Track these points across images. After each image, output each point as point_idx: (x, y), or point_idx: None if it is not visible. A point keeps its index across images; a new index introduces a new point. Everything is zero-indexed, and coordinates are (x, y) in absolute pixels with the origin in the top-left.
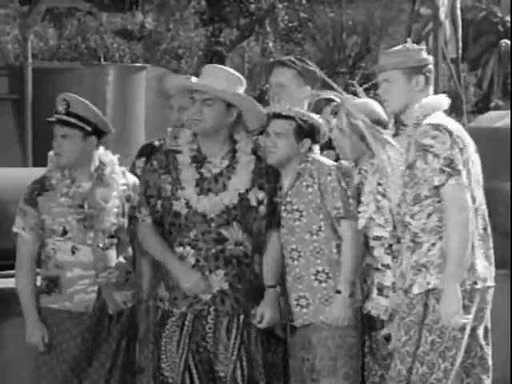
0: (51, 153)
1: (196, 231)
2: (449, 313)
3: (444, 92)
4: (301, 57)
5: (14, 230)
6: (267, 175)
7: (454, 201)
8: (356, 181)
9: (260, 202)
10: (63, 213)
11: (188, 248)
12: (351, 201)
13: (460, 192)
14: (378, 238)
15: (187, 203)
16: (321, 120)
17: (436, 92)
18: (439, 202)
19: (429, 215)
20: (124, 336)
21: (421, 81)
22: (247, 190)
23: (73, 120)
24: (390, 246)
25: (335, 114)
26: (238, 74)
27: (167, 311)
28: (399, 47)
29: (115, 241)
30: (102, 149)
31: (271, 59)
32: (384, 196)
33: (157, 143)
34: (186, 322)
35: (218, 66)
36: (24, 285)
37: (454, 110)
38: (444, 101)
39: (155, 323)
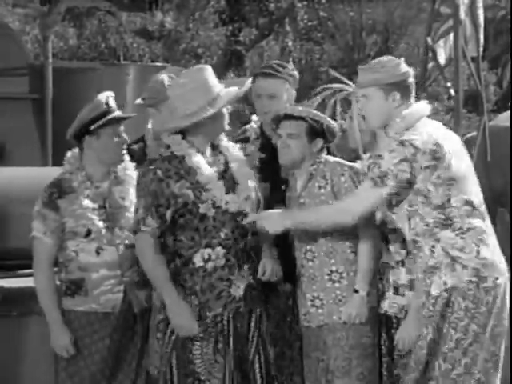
0: (69, 153)
1: (226, 230)
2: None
3: (465, 91)
4: (280, 62)
5: (35, 234)
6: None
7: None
8: None
9: None
10: (87, 214)
11: (218, 248)
12: None
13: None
14: (394, 231)
15: (213, 204)
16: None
17: (456, 91)
18: (411, 206)
19: (409, 219)
20: (144, 338)
21: (397, 96)
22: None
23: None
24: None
25: (343, 102)
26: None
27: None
28: (376, 61)
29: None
30: None
31: (292, 59)
32: None
33: (135, 147)
34: (224, 322)
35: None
36: (45, 288)
37: (475, 109)
38: (424, 108)
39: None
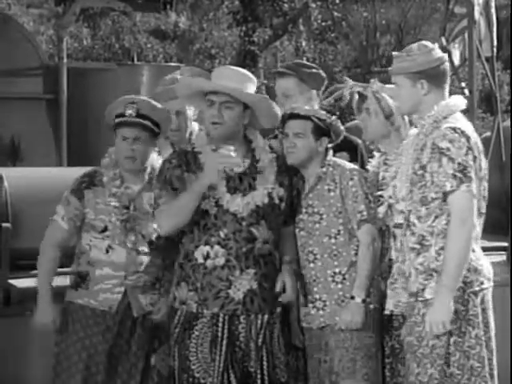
0: (111, 149)
1: (227, 230)
2: (436, 321)
3: (480, 91)
4: (302, 61)
5: (54, 218)
6: (286, 172)
7: (460, 210)
8: (381, 171)
9: (281, 199)
10: (107, 211)
11: (217, 247)
12: (372, 205)
13: (468, 201)
14: (399, 226)
15: (216, 202)
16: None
17: (471, 91)
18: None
19: (436, 217)
20: (147, 340)
21: (424, 85)
22: (272, 189)
23: (146, 122)
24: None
25: (360, 96)
26: (247, 72)
27: (195, 313)
28: (407, 49)
29: (153, 247)
30: (155, 153)
31: (306, 59)
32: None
33: None
34: (220, 324)
35: (229, 67)
36: (42, 264)
37: (489, 109)
38: (461, 102)
39: (179, 325)
